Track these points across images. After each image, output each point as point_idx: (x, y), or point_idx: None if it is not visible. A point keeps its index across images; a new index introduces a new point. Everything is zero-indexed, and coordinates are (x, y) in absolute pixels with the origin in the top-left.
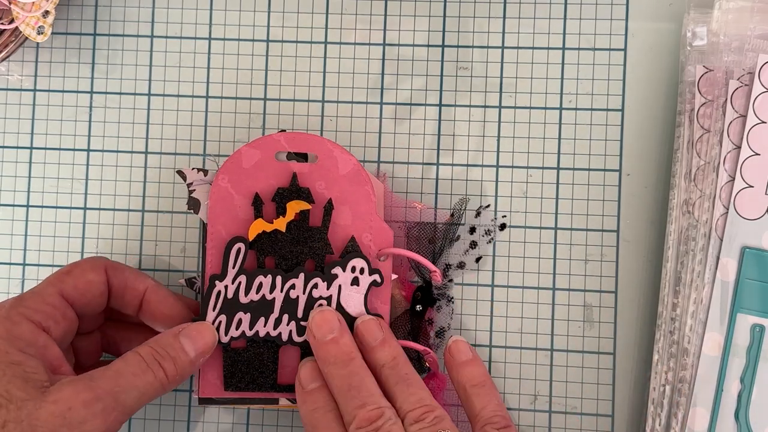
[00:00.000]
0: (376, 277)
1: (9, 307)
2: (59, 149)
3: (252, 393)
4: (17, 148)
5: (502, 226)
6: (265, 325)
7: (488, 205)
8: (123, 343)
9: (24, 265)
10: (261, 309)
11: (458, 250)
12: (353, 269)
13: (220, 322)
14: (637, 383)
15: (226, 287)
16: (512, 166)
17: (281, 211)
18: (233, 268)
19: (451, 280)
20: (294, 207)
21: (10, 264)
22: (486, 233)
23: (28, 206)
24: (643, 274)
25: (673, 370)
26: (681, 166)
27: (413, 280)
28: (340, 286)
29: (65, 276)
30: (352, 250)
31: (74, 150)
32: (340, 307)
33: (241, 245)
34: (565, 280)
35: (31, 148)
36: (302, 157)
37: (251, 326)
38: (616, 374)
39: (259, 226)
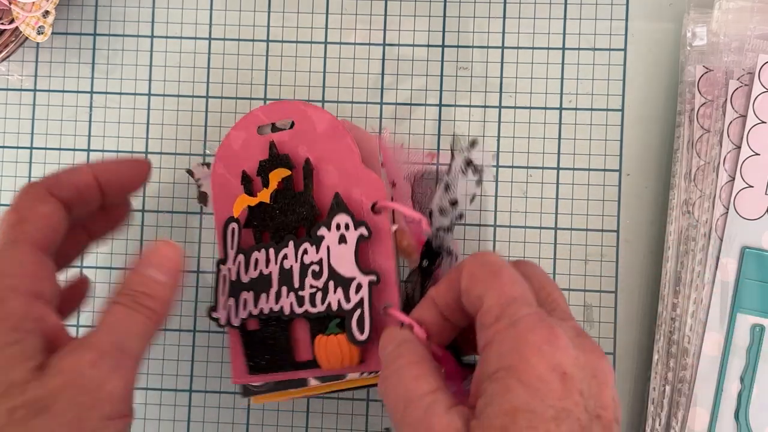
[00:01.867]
0: (362, 230)
1: None
2: (59, 149)
3: (276, 375)
4: (17, 148)
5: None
6: (267, 301)
7: (476, 142)
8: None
9: None
10: (261, 285)
11: (461, 190)
12: (338, 227)
13: (230, 305)
14: (637, 383)
15: (229, 270)
16: (512, 166)
17: (266, 183)
18: (231, 249)
19: (449, 229)
20: (275, 176)
21: None
22: (475, 171)
23: None
24: (643, 275)
25: (673, 370)
26: (681, 166)
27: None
28: (328, 247)
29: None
30: (336, 206)
31: (74, 150)
32: (332, 270)
33: (234, 225)
34: (565, 280)
35: (31, 148)
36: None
37: (255, 304)
38: (616, 374)
39: (242, 202)
